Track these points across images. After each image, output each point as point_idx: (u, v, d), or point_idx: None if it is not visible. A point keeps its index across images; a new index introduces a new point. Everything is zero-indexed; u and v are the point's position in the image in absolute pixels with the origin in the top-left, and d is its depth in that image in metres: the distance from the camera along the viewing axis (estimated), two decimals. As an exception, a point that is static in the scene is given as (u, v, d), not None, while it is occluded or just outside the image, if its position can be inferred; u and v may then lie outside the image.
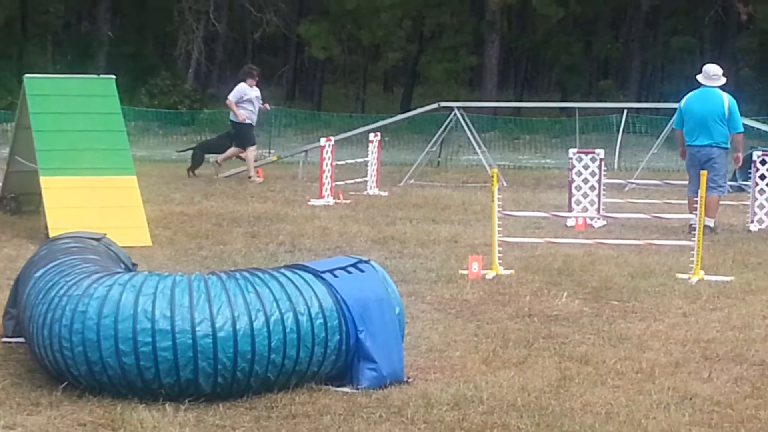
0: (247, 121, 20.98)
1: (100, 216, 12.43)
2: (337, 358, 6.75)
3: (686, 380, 7.08)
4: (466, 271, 10.78)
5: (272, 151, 28.98)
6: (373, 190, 19.54)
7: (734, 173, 18.53)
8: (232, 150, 21.41)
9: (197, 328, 6.31)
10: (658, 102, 34.49)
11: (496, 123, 34.15)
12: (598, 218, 14.80)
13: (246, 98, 20.92)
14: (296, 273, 6.80)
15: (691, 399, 6.66)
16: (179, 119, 36.72)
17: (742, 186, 17.95)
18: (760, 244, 13.36)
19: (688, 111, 14.45)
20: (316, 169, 19.61)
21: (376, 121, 25.93)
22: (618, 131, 27.27)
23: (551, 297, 9.79)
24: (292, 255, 11.97)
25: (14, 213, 14.95)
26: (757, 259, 12.16)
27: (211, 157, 22.39)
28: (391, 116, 28.28)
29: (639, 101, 39.98)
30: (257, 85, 21.35)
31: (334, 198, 17.82)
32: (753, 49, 43.10)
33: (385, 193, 19.22)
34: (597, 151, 15.63)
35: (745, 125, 16.02)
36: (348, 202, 17.66)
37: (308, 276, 6.77)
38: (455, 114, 23.17)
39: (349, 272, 6.90)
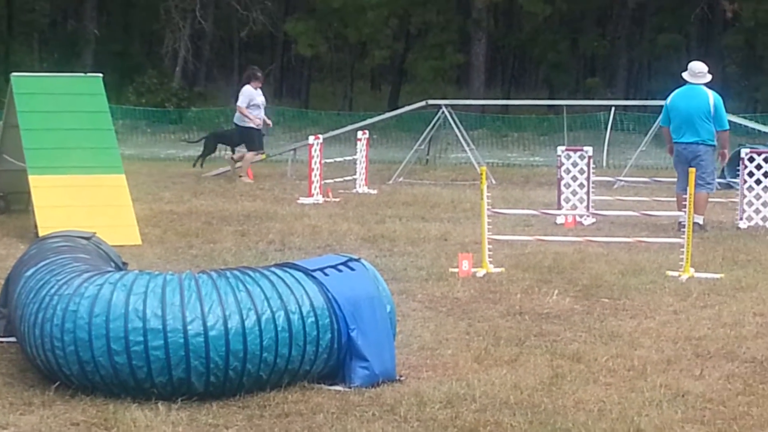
0: (255, 126, 20.58)
1: (90, 215, 12.43)
2: (329, 357, 6.74)
3: (678, 377, 7.09)
4: (456, 269, 10.79)
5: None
6: (362, 188, 19.52)
7: (722, 170, 18.58)
8: (249, 155, 20.90)
9: (189, 327, 6.29)
10: (646, 99, 34.61)
11: (484, 121, 34.17)
12: (588, 216, 14.81)
13: (253, 103, 20.50)
14: (287, 271, 6.79)
15: (683, 396, 6.66)
16: (167, 117, 36.67)
17: (731, 183, 17.99)
18: (749, 241, 13.39)
19: (674, 108, 14.45)
20: (304, 167, 19.60)
21: (364, 119, 25.93)
22: (606, 129, 27.28)
23: (542, 295, 9.79)
24: (282, 253, 11.97)
25: (3, 212, 14.93)
26: (747, 256, 12.18)
27: (226, 155, 22.24)
28: (379, 114, 28.26)
29: (626, 98, 40.00)
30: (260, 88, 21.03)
31: (323, 196, 17.81)
32: (739, 46, 43.23)
33: (374, 192, 19.21)
34: (585, 148, 15.66)
35: (731, 122, 16.05)
36: (337, 200, 17.65)
37: (299, 274, 6.76)
38: (443, 112, 23.17)
39: (340, 270, 6.88)
